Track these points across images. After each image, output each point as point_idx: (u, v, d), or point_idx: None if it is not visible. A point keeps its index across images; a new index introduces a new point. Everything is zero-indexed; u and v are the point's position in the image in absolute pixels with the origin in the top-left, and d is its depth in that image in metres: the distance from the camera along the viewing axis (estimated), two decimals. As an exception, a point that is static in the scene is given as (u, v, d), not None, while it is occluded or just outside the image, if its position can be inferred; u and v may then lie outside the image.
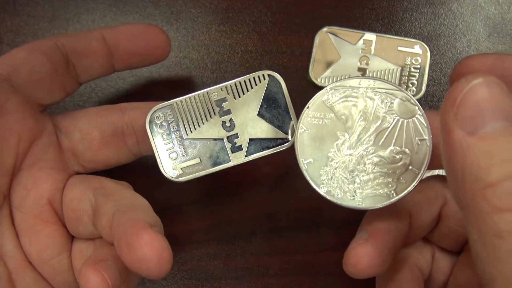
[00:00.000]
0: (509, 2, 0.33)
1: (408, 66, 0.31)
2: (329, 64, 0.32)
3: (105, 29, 0.26)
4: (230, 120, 0.25)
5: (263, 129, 0.25)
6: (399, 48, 0.32)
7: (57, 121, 0.26)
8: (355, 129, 0.22)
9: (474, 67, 0.21)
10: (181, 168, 0.25)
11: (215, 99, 0.25)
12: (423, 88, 0.31)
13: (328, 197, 0.22)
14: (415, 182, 0.22)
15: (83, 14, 0.32)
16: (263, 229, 0.30)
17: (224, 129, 0.25)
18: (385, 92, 0.22)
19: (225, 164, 0.25)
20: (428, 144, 0.22)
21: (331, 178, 0.22)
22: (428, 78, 0.31)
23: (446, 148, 0.17)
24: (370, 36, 0.32)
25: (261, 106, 0.25)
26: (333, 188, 0.22)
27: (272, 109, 0.25)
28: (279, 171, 0.31)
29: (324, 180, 0.22)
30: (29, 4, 0.32)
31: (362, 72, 0.31)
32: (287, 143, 0.25)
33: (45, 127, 0.25)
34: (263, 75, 0.25)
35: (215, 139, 0.25)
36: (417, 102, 0.22)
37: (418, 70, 0.31)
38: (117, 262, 0.21)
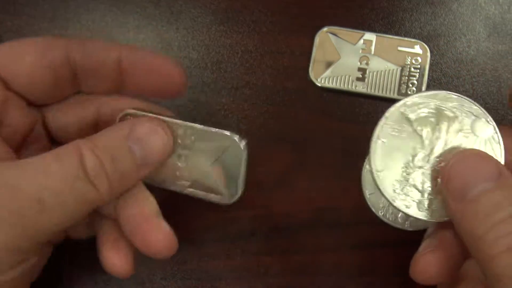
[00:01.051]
0: (509, 2, 0.33)
1: (408, 66, 0.31)
2: (329, 64, 0.32)
3: (124, 49, 0.24)
4: (186, 156, 0.26)
5: (209, 178, 0.26)
6: (399, 48, 0.32)
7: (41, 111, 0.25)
8: (430, 143, 0.22)
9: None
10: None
11: (180, 133, 0.25)
12: (423, 88, 0.31)
13: (398, 207, 0.22)
14: None
15: (83, 14, 0.33)
16: (263, 229, 0.30)
17: (178, 162, 0.26)
18: (468, 111, 0.22)
19: (166, 186, 0.26)
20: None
21: (402, 189, 0.22)
22: (428, 78, 0.31)
23: (450, 216, 0.21)
24: (370, 36, 0.32)
25: (217, 160, 0.26)
26: (402, 199, 0.22)
27: (226, 167, 0.26)
28: (279, 171, 0.31)
29: (396, 189, 0.22)
30: (29, 4, 0.32)
31: (362, 72, 0.31)
32: (224, 201, 0.26)
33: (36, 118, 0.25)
34: (231, 136, 0.25)
35: (167, 165, 0.26)
36: (493, 121, 0.22)
37: (418, 70, 0.31)
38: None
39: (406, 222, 0.29)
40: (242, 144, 0.25)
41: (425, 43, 0.32)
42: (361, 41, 0.32)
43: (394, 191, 0.22)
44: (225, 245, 0.30)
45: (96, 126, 0.26)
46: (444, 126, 0.22)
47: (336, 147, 0.31)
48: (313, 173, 0.30)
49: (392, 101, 0.31)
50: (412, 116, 0.22)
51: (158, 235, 0.23)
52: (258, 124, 0.31)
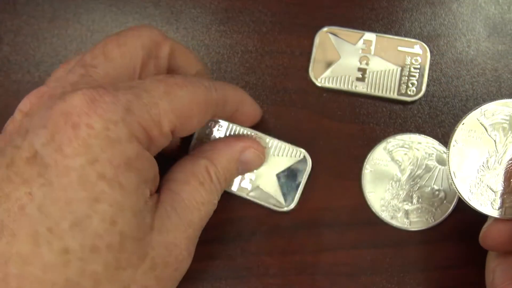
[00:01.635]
0: (509, 2, 0.33)
1: (408, 66, 0.31)
2: (329, 64, 0.32)
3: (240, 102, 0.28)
4: None
5: (272, 187, 0.29)
6: (399, 48, 0.32)
7: None
8: (504, 146, 0.24)
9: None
10: None
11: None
12: (423, 88, 0.31)
13: (474, 206, 0.24)
14: None
15: (83, 14, 0.33)
16: (263, 229, 0.30)
17: None
18: None
19: (230, 189, 0.29)
20: None
21: (477, 189, 0.24)
22: (428, 78, 0.31)
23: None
24: (370, 36, 0.32)
25: (283, 171, 0.30)
26: (477, 199, 0.24)
27: (288, 179, 0.30)
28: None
29: (471, 190, 0.24)
30: (29, 4, 0.32)
31: (362, 72, 0.31)
32: (281, 208, 0.29)
33: None
34: (300, 152, 0.30)
35: None
36: None
37: (418, 70, 0.31)
38: None
39: (406, 221, 0.29)
40: (309, 160, 0.30)
41: (425, 43, 0.32)
42: (361, 41, 0.32)
43: (470, 191, 0.24)
44: (225, 245, 0.30)
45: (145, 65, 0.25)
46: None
47: (336, 147, 0.31)
48: (313, 173, 0.30)
49: (392, 101, 0.31)
50: (486, 122, 0.24)
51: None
52: (258, 124, 0.31)
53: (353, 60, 0.31)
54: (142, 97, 0.21)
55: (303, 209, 0.30)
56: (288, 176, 0.30)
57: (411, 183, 0.29)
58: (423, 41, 0.32)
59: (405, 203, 0.29)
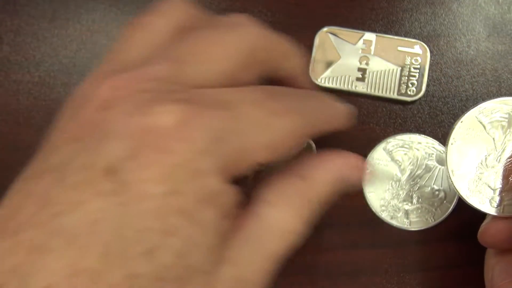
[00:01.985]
0: (509, 2, 0.33)
1: (408, 66, 0.31)
2: (329, 64, 0.32)
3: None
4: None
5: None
6: (399, 48, 0.32)
7: None
8: (502, 144, 0.24)
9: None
10: None
11: None
12: (423, 88, 0.31)
13: (472, 204, 0.24)
14: None
15: (83, 14, 0.33)
16: (263, 229, 0.30)
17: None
18: None
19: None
20: None
21: (476, 187, 0.24)
22: (428, 78, 0.31)
23: None
24: (370, 36, 0.32)
25: (289, 162, 0.28)
26: (476, 197, 0.24)
27: None
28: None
29: (470, 188, 0.24)
30: (29, 4, 0.32)
31: (362, 72, 0.31)
32: None
33: None
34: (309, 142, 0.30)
35: None
36: None
37: (418, 70, 0.31)
38: None
39: (406, 221, 0.29)
40: (313, 146, 0.30)
41: (425, 43, 0.32)
42: (361, 41, 0.32)
43: (468, 189, 0.24)
44: (225, 245, 0.30)
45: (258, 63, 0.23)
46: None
47: (336, 147, 0.31)
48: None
49: (392, 101, 0.31)
50: (485, 120, 0.24)
51: None
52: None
53: (353, 60, 0.31)
54: (237, 121, 0.18)
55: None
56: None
57: (411, 183, 0.29)
58: (423, 41, 0.32)
59: (405, 203, 0.29)
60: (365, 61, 0.31)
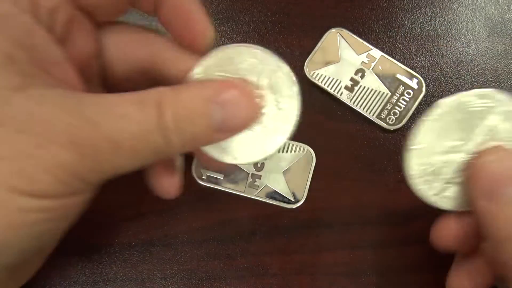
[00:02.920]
0: (509, 2, 0.33)
1: (399, 95, 0.31)
2: (326, 63, 0.31)
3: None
4: (262, 164, 0.30)
5: (280, 185, 0.30)
6: (398, 76, 0.31)
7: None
8: (475, 138, 0.22)
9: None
10: (206, 174, 0.30)
11: None
12: (404, 121, 0.30)
13: (414, 183, 0.23)
14: None
15: (83, 14, 0.32)
16: (263, 229, 0.30)
17: (254, 167, 0.30)
18: None
19: (238, 192, 0.30)
20: None
21: (430, 170, 0.23)
22: (412, 114, 0.31)
23: (476, 211, 0.21)
24: (375, 53, 0.31)
25: (289, 168, 0.30)
26: (424, 179, 0.23)
27: (295, 175, 0.30)
28: (279, 171, 0.31)
29: (422, 168, 0.23)
30: (29, 4, 0.32)
31: (353, 83, 0.31)
32: (290, 205, 0.30)
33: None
34: (304, 148, 0.30)
35: (243, 169, 0.30)
36: None
37: (406, 103, 0.31)
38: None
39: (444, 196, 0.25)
40: (313, 155, 0.30)
41: (425, 45, 0.31)
42: (365, 54, 0.32)
43: (418, 169, 0.23)
44: (225, 245, 0.30)
45: (145, 72, 0.24)
46: (491, 122, 0.22)
47: (336, 147, 0.31)
48: (313, 173, 0.30)
49: (369, 121, 0.31)
50: (464, 107, 0.22)
51: (170, 179, 0.24)
52: (258, 124, 0.31)
53: (350, 68, 0.31)
54: None
55: (303, 209, 0.30)
56: (294, 171, 0.30)
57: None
58: (423, 42, 0.32)
59: (455, 176, 0.24)
60: (360, 74, 0.31)
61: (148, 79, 0.24)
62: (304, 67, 0.31)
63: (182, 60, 0.23)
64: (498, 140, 0.22)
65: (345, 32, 0.32)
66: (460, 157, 0.23)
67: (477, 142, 0.22)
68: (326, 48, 0.32)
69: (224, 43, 0.32)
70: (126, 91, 0.21)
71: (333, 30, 0.32)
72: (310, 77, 0.31)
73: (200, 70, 0.22)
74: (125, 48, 0.24)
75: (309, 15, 0.33)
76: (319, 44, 0.32)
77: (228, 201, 0.30)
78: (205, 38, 0.23)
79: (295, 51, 0.32)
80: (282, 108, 0.22)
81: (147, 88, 0.21)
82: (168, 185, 0.25)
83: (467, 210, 0.23)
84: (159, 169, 0.25)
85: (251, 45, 0.21)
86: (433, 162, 0.23)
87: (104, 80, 0.25)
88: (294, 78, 0.22)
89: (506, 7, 0.33)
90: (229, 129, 0.21)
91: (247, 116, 0.21)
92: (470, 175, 0.22)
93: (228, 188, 0.30)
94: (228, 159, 0.22)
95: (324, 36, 0.32)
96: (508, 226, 0.20)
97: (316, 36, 0.32)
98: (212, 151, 0.22)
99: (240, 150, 0.22)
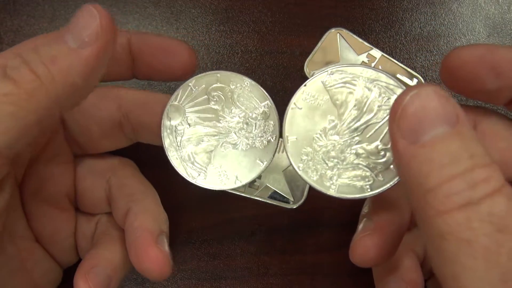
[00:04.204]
0: (509, 2, 0.33)
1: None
2: (326, 63, 0.31)
3: (132, 34, 0.25)
4: None
5: (280, 185, 0.30)
6: (398, 76, 0.31)
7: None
8: (346, 116, 0.22)
9: (463, 58, 0.21)
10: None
11: None
12: None
13: (303, 176, 0.22)
14: (392, 181, 0.21)
15: (83, 14, 0.32)
16: (263, 229, 0.30)
17: None
18: (386, 86, 0.22)
19: (238, 192, 0.30)
20: None
21: (311, 159, 0.22)
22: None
23: (395, 157, 0.18)
24: (376, 53, 0.32)
25: (289, 168, 0.30)
26: (311, 170, 0.22)
27: (295, 175, 0.28)
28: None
29: (304, 159, 0.22)
30: (29, 4, 0.32)
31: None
32: (290, 205, 0.30)
33: (58, 121, 0.25)
34: None
35: None
36: None
37: None
38: (108, 264, 0.24)
39: (329, 183, 0.23)
40: None
41: (425, 46, 0.31)
42: (365, 54, 0.32)
43: (301, 160, 0.22)
44: (225, 245, 0.30)
45: (120, 126, 0.26)
46: (362, 100, 0.22)
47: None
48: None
49: None
50: (331, 87, 0.22)
51: (151, 254, 0.23)
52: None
53: None
54: None
55: (303, 209, 0.30)
56: (294, 172, 0.30)
57: (350, 134, 0.22)
58: (423, 42, 0.32)
59: (335, 160, 0.22)
60: None
61: (123, 129, 0.26)
62: (304, 67, 0.31)
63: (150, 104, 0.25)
64: (369, 111, 0.21)
65: (345, 32, 0.32)
66: (340, 138, 0.22)
67: (352, 117, 0.22)
68: (326, 48, 0.32)
69: (224, 43, 0.32)
70: (106, 149, 0.26)
71: (333, 30, 0.32)
72: (308, 76, 0.31)
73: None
74: (89, 112, 0.26)
75: (309, 15, 0.33)
76: (319, 44, 0.32)
77: (228, 201, 0.30)
78: (188, 60, 0.25)
79: (295, 51, 0.32)
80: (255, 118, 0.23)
81: (126, 139, 0.26)
82: (154, 258, 0.23)
83: (373, 195, 0.21)
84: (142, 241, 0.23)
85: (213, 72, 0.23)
86: (316, 149, 0.22)
87: (83, 146, 0.26)
88: (261, 89, 0.23)
89: (506, 7, 0.32)
90: (90, 39, 0.21)
91: (98, 27, 0.21)
92: (390, 114, 0.18)
93: (228, 188, 0.30)
94: (230, 184, 0.23)
95: (324, 36, 0.32)
96: (432, 172, 0.16)
97: (316, 36, 0.32)
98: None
99: (238, 171, 0.23)
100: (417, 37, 0.32)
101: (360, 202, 0.30)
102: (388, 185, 0.21)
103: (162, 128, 0.23)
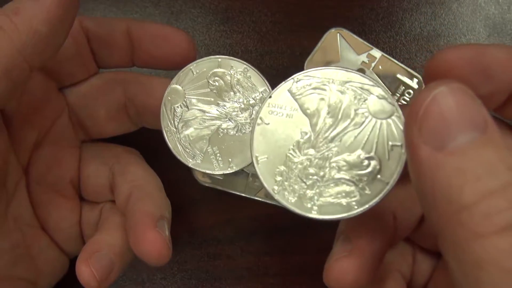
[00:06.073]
0: (509, 2, 0.33)
1: (398, 96, 0.31)
2: (327, 63, 0.32)
3: (132, 22, 0.25)
4: None
5: None
6: (398, 76, 0.31)
7: (65, 97, 0.26)
8: (320, 126, 0.19)
9: (450, 62, 0.18)
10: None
11: None
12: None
13: (281, 200, 0.19)
14: (382, 194, 0.18)
15: (83, 14, 0.32)
16: (263, 229, 0.30)
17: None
18: (360, 87, 0.19)
19: (238, 192, 0.30)
20: (402, 151, 0.18)
21: (286, 179, 0.19)
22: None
23: (413, 167, 0.15)
24: (376, 53, 0.32)
25: None
26: (287, 192, 0.19)
27: None
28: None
29: (278, 180, 0.19)
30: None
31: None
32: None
33: (63, 105, 0.26)
34: None
35: (243, 170, 0.28)
36: (395, 101, 0.19)
37: (406, 103, 0.31)
38: (111, 250, 0.24)
39: (309, 205, 0.20)
40: None
41: (425, 46, 0.31)
42: (366, 54, 0.32)
43: (276, 181, 0.19)
44: (225, 245, 0.30)
45: (125, 109, 0.27)
46: (336, 105, 0.20)
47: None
48: (313, 173, 0.30)
49: None
50: (299, 95, 0.20)
51: (150, 237, 0.22)
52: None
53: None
54: None
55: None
56: None
57: (327, 146, 0.20)
58: (423, 42, 0.32)
59: (314, 177, 0.20)
60: None
61: (128, 112, 0.27)
62: (305, 67, 0.31)
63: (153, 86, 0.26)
64: (346, 117, 0.19)
65: (345, 32, 0.32)
66: (316, 151, 0.19)
67: (327, 126, 0.19)
68: (326, 48, 0.32)
69: (224, 43, 0.32)
70: (111, 133, 0.27)
71: (333, 30, 0.32)
72: None
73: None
74: (96, 95, 0.27)
75: (309, 15, 0.33)
76: (319, 44, 0.32)
77: (228, 201, 0.30)
78: (187, 48, 0.25)
79: (295, 51, 0.32)
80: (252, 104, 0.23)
81: (131, 123, 0.27)
82: (152, 241, 0.22)
83: (362, 212, 0.18)
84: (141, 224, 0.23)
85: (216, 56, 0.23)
86: (290, 167, 0.19)
87: (89, 130, 0.27)
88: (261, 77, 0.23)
89: (506, 7, 0.32)
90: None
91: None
92: (409, 115, 0.15)
93: (228, 188, 0.30)
94: (223, 169, 0.23)
95: (324, 36, 0.32)
96: (466, 185, 0.14)
97: (316, 36, 0.32)
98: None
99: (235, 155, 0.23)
100: (417, 37, 0.32)
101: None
102: (377, 199, 0.18)
103: (161, 110, 0.23)
